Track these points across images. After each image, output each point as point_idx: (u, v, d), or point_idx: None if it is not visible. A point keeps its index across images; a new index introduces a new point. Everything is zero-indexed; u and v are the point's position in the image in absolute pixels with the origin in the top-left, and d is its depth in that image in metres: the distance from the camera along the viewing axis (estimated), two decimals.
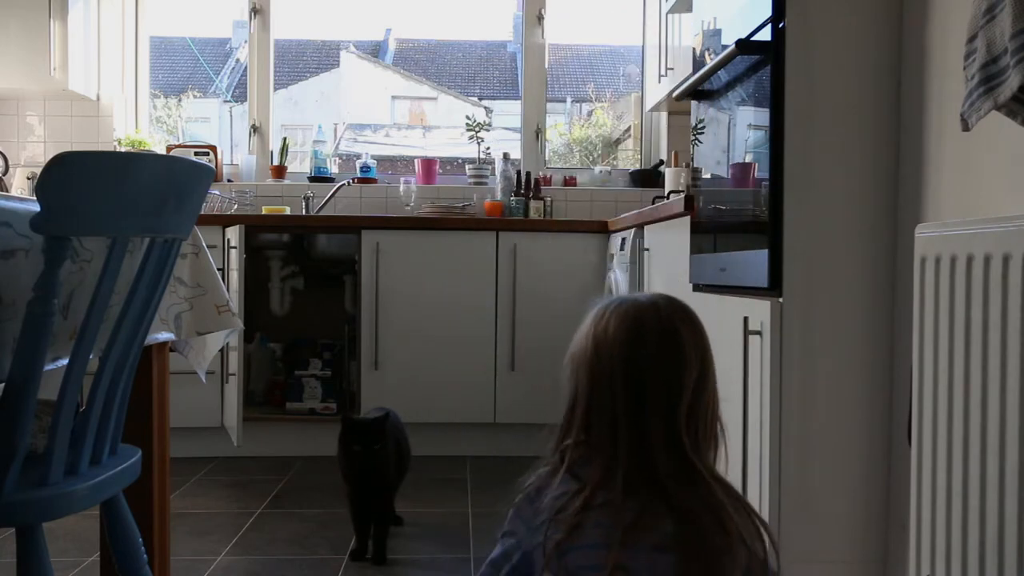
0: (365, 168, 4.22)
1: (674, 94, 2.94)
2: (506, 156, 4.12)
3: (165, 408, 1.90)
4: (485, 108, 5.31)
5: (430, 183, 4.21)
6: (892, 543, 1.90)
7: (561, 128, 4.96)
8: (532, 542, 1.07)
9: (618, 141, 4.90)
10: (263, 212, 3.86)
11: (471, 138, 4.20)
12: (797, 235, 1.88)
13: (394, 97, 6.28)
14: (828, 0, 1.89)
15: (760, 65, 1.95)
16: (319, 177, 4.18)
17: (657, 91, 3.91)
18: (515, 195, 4.02)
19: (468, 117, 4.27)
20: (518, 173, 4.09)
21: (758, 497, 1.91)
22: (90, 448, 1.33)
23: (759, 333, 1.92)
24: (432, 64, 5.96)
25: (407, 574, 2.28)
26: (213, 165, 3.90)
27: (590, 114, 5.19)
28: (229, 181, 4.16)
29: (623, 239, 3.24)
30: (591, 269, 3.66)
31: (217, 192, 3.99)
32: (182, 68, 5.14)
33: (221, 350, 3.02)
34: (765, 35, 1.93)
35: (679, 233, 2.56)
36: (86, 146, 3.97)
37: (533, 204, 4.01)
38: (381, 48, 6.49)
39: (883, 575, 1.92)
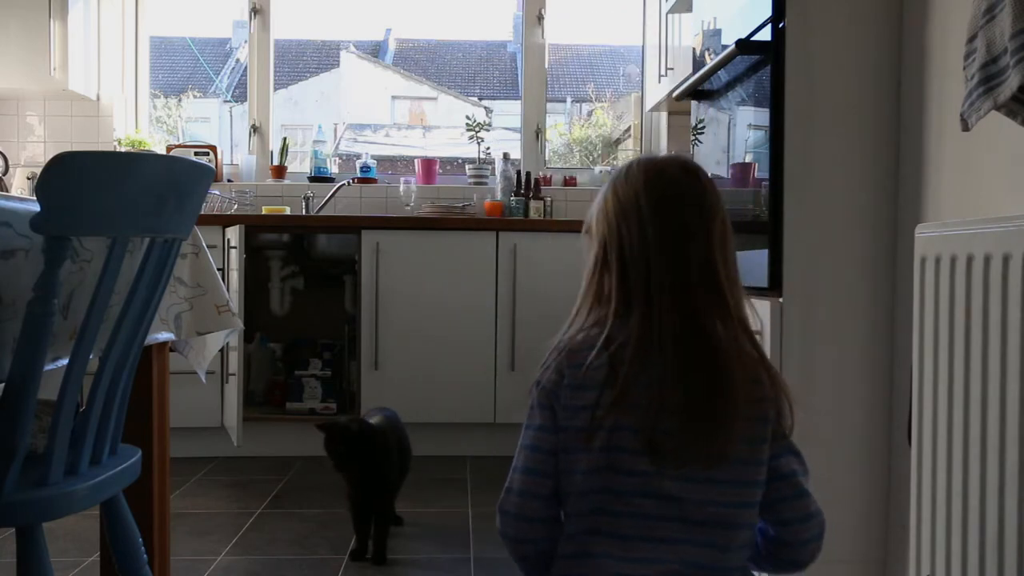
0: (365, 168, 4.22)
1: (674, 94, 2.94)
2: (506, 156, 4.12)
3: (165, 408, 1.90)
4: (485, 108, 5.31)
5: (430, 183, 4.21)
6: (892, 543, 1.90)
7: (561, 128, 4.96)
8: (572, 423, 1.09)
9: (618, 141, 4.90)
10: (263, 212, 3.86)
11: (471, 138, 4.20)
12: (797, 235, 1.88)
13: (394, 97, 6.28)
14: (828, 0, 1.89)
15: (760, 65, 1.95)
16: (319, 177, 4.18)
17: (657, 91, 3.91)
18: (515, 195, 4.02)
19: (468, 117, 4.27)
20: (518, 173, 4.09)
21: None
22: (90, 448, 1.33)
23: (759, 333, 1.92)
24: (432, 64, 5.97)
25: (407, 574, 2.28)
26: (213, 165, 3.90)
27: (590, 114, 5.19)
28: (229, 181, 4.16)
29: None
30: None
31: (217, 192, 3.99)
32: (182, 68, 5.14)
33: (221, 350, 3.02)
34: (765, 35, 1.93)
35: None
36: (86, 146, 3.97)
37: (533, 204, 4.01)
38: (381, 48, 6.49)
39: (883, 575, 1.92)
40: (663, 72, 3.74)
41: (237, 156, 4.34)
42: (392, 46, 6.31)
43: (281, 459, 3.56)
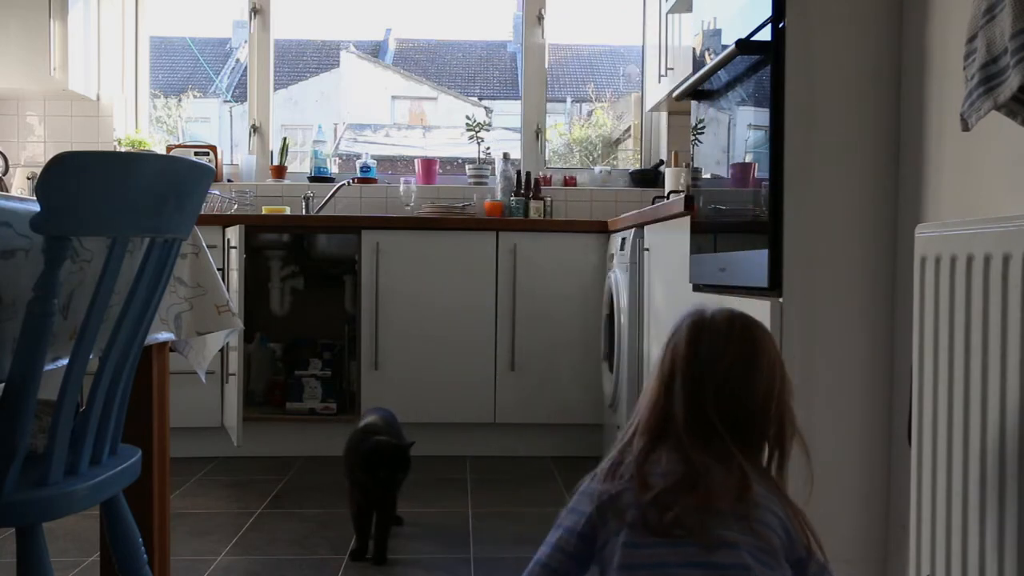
0: (365, 168, 4.22)
1: (674, 94, 2.94)
2: (506, 156, 4.12)
3: (165, 408, 1.90)
4: (485, 108, 5.31)
5: (430, 183, 4.21)
6: (892, 543, 1.90)
7: (561, 128, 4.96)
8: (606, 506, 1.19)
9: (618, 141, 4.90)
10: (263, 212, 3.86)
11: (471, 138, 4.20)
12: (797, 235, 1.88)
13: (394, 97, 6.28)
14: (828, 0, 1.89)
15: (760, 65, 1.95)
16: (319, 177, 4.18)
17: (657, 91, 3.91)
18: (515, 195, 4.02)
19: (468, 117, 4.27)
20: (518, 173, 4.09)
21: None
22: (90, 448, 1.33)
23: None
24: (432, 64, 5.97)
25: (407, 574, 2.28)
26: (213, 165, 3.90)
27: (590, 114, 5.19)
28: (229, 181, 4.17)
29: (623, 239, 3.24)
30: (591, 269, 3.66)
31: (217, 192, 3.99)
32: (182, 68, 5.15)
33: (221, 350, 3.02)
34: (765, 35, 1.93)
35: (679, 233, 2.56)
36: (86, 146, 3.97)
37: (533, 204, 4.01)
38: (381, 48, 6.49)
39: (883, 575, 1.92)
40: (663, 72, 3.74)
41: (237, 156, 4.34)
42: (392, 46, 6.31)
43: (281, 459, 3.56)
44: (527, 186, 4.06)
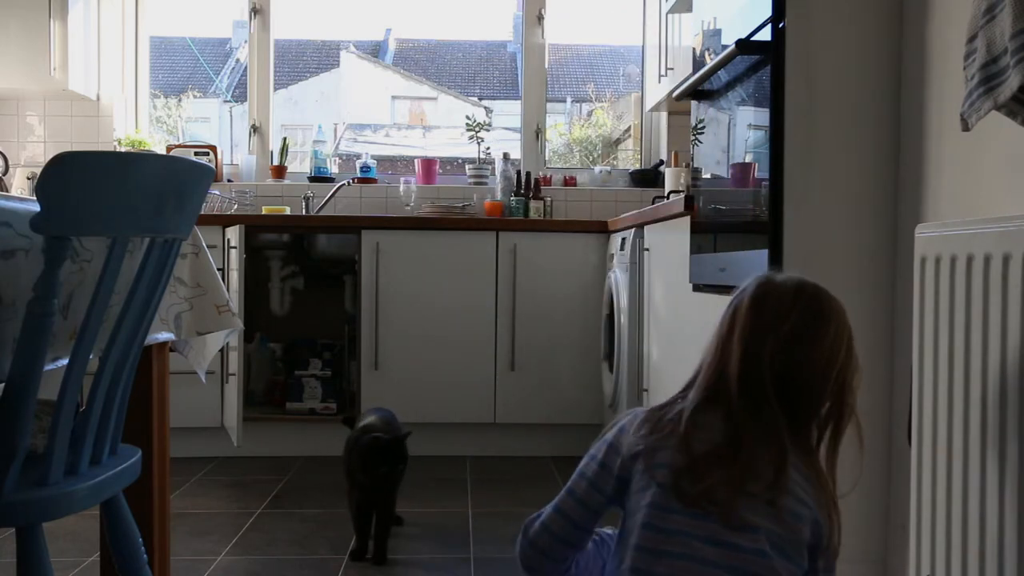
0: (365, 168, 4.22)
1: (674, 94, 2.94)
2: (506, 156, 4.12)
3: (165, 408, 1.90)
4: (485, 108, 5.31)
5: (430, 183, 4.21)
6: (892, 543, 1.90)
7: (561, 128, 4.96)
8: (632, 446, 1.17)
9: (618, 141, 4.90)
10: (263, 212, 3.86)
11: (471, 138, 4.20)
12: (797, 235, 1.88)
13: (394, 97, 6.29)
14: (828, 0, 1.89)
15: (760, 65, 1.95)
16: (319, 177, 4.18)
17: (657, 91, 3.91)
18: (515, 195, 4.02)
19: (468, 117, 4.27)
20: (518, 173, 4.09)
21: None
22: (90, 448, 1.33)
23: None
24: (432, 64, 5.97)
25: (407, 574, 2.28)
26: (213, 165, 3.90)
27: (590, 114, 5.19)
28: (229, 181, 4.17)
29: (623, 239, 3.24)
30: (591, 269, 3.66)
31: (217, 192, 3.99)
32: (182, 68, 5.15)
33: (221, 350, 3.02)
34: (765, 35, 1.93)
35: (679, 233, 2.56)
36: (86, 146, 3.97)
37: (533, 204, 4.01)
38: (381, 48, 6.50)
39: (883, 575, 1.92)
40: (663, 72, 3.74)
41: (237, 156, 4.34)
42: (392, 46, 6.31)
43: (281, 459, 3.56)
44: (527, 186, 4.06)
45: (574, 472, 1.26)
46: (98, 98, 4.06)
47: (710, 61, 2.23)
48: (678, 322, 2.59)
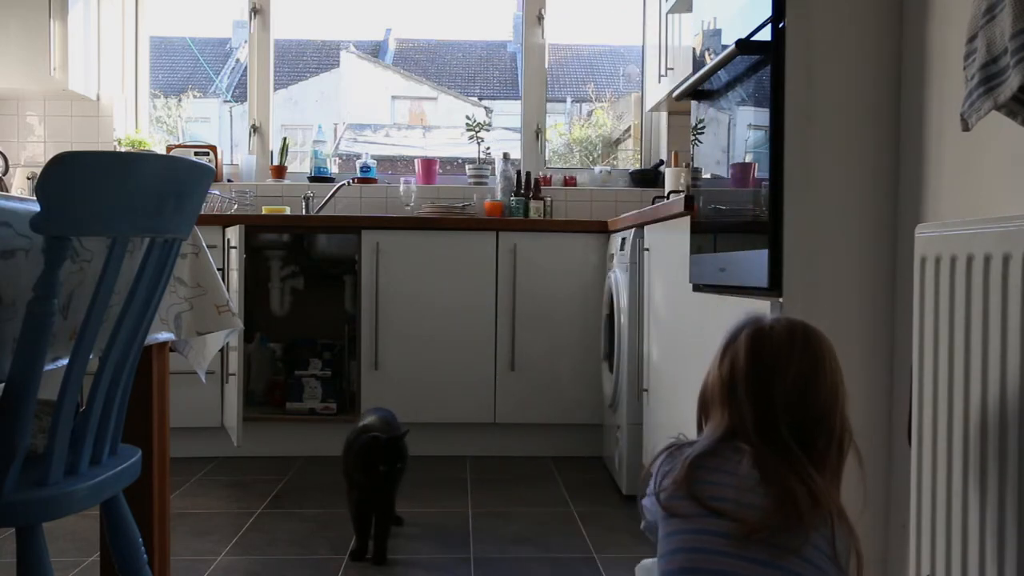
0: (365, 168, 4.22)
1: (674, 94, 2.94)
2: (506, 156, 4.12)
3: (165, 408, 1.90)
4: (485, 108, 5.31)
5: (430, 183, 4.21)
6: (892, 543, 1.90)
7: (561, 128, 4.96)
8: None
9: (618, 141, 4.90)
10: (263, 212, 3.86)
11: (471, 138, 4.20)
12: (797, 235, 1.88)
13: (394, 97, 6.29)
14: (828, 0, 1.89)
15: (760, 65, 1.95)
16: (319, 177, 4.18)
17: (657, 91, 3.91)
18: (515, 195, 4.02)
19: (468, 117, 4.27)
20: (518, 173, 4.09)
21: None
22: (90, 448, 1.34)
23: None
24: (432, 64, 5.97)
25: (407, 574, 2.28)
26: (213, 165, 3.90)
27: (590, 114, 5.19)
28: (229, 181, 4.17)
29: (623, 239, 3.24)
30: (591, 269, 3.66)
31: (217, 192, 3.99)
32: (182, 68, 5.15)
33: (221, 350, 3.02)
34: (765, 35, 1.93)
35: (679, 233, 2.56)
36: (86, 146, 3.97)
37: (533, 204, 4.01)
38: (381, 48, 6.50)
39: (883, 575, 1.92)
40: (663, 72, 3.74)
41: (237, 156, 4.34)
42: (392, 46, 6.32)
43: (281, 459, 3.56)
44: (527, 186, 4.06)
45: None
46: (98, 98, 4.06)
47: (710, 61, 2.23)
48: (678, 322, 2.59)
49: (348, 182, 4.12)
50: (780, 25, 1.88)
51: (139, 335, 1.39)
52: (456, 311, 3.61)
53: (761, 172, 1.95)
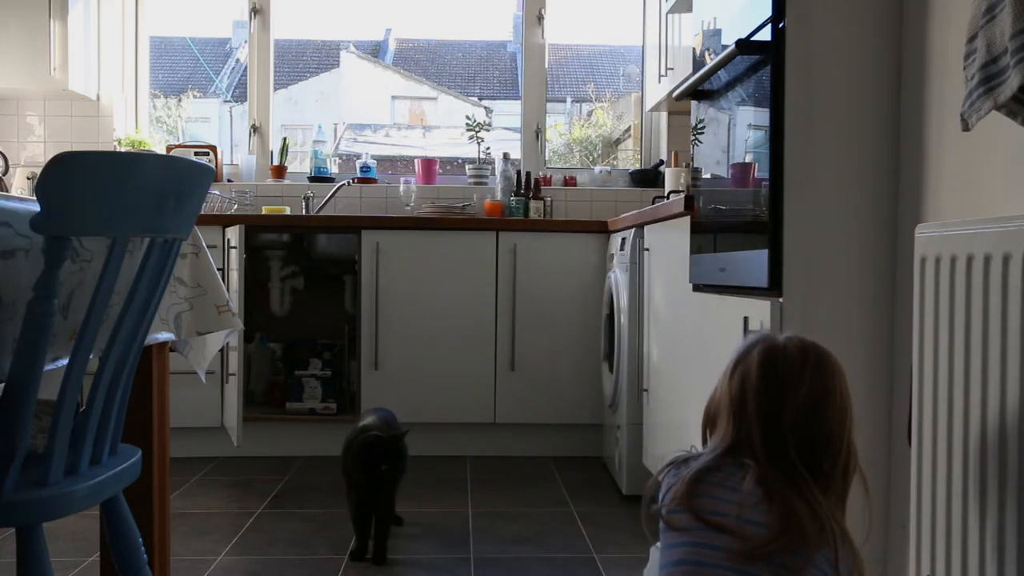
0: (365, 168, 4.22)
1: (674, 94, 2.94)
2: (506, 156, 4.12)
3: (165, 408, 1.90)
4: (485, 108, 5.31)
5: (430, 183, 4.21)
6: (892, 543, 1.90)
7: (561, 128, 4.96)
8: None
9: (618, 141, 4.90)
10: (263, 212, 3.86)
11: (471, 138, 4.20)
12: (797, 235, 1.88)
13: (394, 97, 6.29)
14: (828, 0, 1.89)
15: (760, 65, 1.95)
16: (319, 177, 4.18)
17: (657, 91, 3.91)
18: (515, 195, 4.02)
19: (468, 117, 4.27)
20: (518, 173, 4.09)
21: None
22: (90, 448, 1.33)
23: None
24: (432, 64, 5.97)
25: (407, 574, 2.28)
26: (213, 165, 3.90)
27: (590, 114, 5.19)
28: (229, 181, 4.17)
29: (623, 239, 3.24)
30: (591, 269, 3.66)
31: (217, 192, 3.99)
32: (182, 68, 5.15)
33: (221, 350, 3.02)
34: (765, 35, 1.93)
35: (679, 233, 2.56)
36: (86, 146, 3.97)
37: (533, 204, 4.01)
38: (381, 48, 6.50)
39: (883, 575, 1.92)
40: (663, 72, 3.74)
41: (237, 156, 4.34)
42: (392, 46, 6.32)
43: (281, 459, 3.56)
44: (527, 186, 4.06)
45: None
46: (98, 98, 4.06)
47: (710, 61, 2.23)
48: (678, 322, 2.59)
49: (348, 182, 4.12)
50: (780, 25, 1.88)
51: (139, 335, 1.39)
52: (456, 311, 3.61)
53: (761, 172, 1.95)
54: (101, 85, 4.06)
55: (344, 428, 2.58)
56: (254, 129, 4.28)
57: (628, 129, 4.78)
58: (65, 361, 1.29)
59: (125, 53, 4.21)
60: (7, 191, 3.90)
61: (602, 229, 3.65)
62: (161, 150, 4.13)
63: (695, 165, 2.52)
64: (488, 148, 4.22)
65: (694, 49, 2.57)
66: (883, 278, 1.91)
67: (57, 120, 4.07)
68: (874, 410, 1.92)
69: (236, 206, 3.97)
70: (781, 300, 1.88)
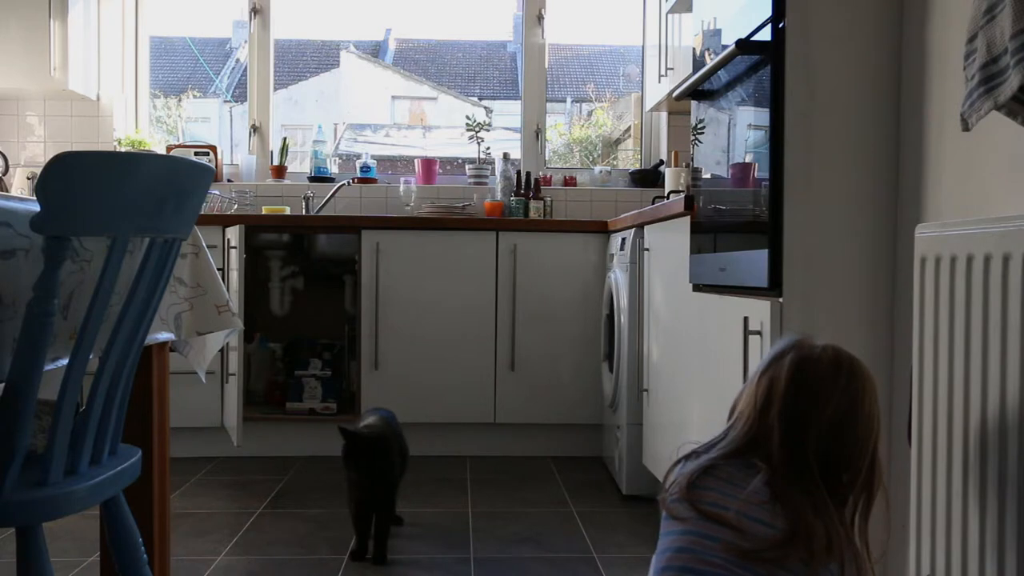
0: (365, 168, 4.22)
1: (674, 94, 2.94)
2: (506, 156, 4.12)
3: (165, 408, 1.90)
4: (485, 108, 5.31)
5: (430, 183, 4.21)
6: (892, 543, 1.90)
7: (561, 128, 4.96)
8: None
9: (618, 141, 4.90)
10: (263, 212, 3.86)
11: (471, 138, 4.20)
12: (797, 235, 1.88)
13: (394, 97, 6.29)
14: (828, 0, 1.89)
15: (760, 65, 1.95)
16: (319, 177, 4.18)
17: (657, 91, 3.91)
18: (515, 195, 4.02)
19: (468, 117, 4.27)
20: (518, 173, 4.09)
21: None
22: (90, 448, 1.34)
23: (759, 333, 1.92)
24: (432, 64, 5.97)
25: (407, 574, 2.28)
26: (213, 165, 3.90)
27: (590, 114, 5.19)
28: (229, 181, 4.17)
29: (623, 239, 3.24)
30: (591, 269, 3.66)
31: (217, 192, 3.99)
32: (182, 68, 5.15)
33: (221, 350, 3.02)
34: (765, 35, 1.93)
35: (679, 233, 2.56)
36: (86, 146, 3.97)
37: (533, 204, 4.01)
38: (381, 48, 6.50)
39: (883, 575, 1.92)
40: (663, 72, 3.74)
41: (237, 156, 4.34)
42: (392, 46, 6.32)
43: (281, 459, 3.56)
44: (527, 186, 4.06)
45: None
46: (98, 98, 4.06)
47: (710, 61, 2.23)
48: (678, 322, 2.59)
49: (348, 182, 4.12)
50: (780, 25, 1.88)
51: (139, 335, 1.39)
52: (456, 311, 3.61)
53: (761, 172, 1.95)
54: (101, 85, 4.06)
55: None
56: (254, 129, 4.28)
57: (628, 129, 4.78)
58: (65, 361, 1.29)
59: (125, 53, 4.20)
60: (7, 191, 3.90)
61: (602, 229, 3.65)
62: (161, 150, 4.13)
63: (695, 165, 2.52)
64: (488, 148, 4.22)
65: (694, 49, 2.57)
66: (883, 278, 1.91)
67: (57, 120, 4.07)
68: None
69: (236, 206, 3.97)
70: (781, 300, 1.88)
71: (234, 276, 3.25)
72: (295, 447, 3.64)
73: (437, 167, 4.28)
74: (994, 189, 1.59)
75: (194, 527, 2.64)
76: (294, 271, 4.05)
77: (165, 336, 1.77)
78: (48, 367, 1.32)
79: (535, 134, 4.33)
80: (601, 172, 4.31)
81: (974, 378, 1.23)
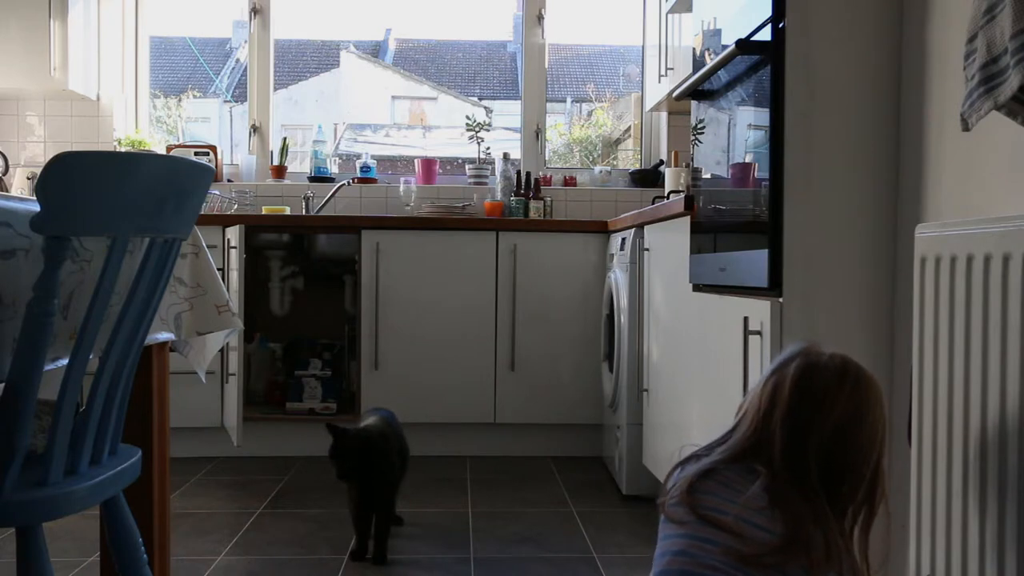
0: (365, 168, 4.22)
1: (674, 94, 2.94)
2: (506, 156, 4.12)
3: (165, 408, 1.90)
4: (485, 108, 5.31)
5: (430, 183, 4.21)
6: (892, 543, 1.90)
7: (561, 128, 4.96)
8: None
9: (618, 141, 4.90)
10: (263, 212, 3.86)
11: (471, 138, 4.20)
12: (797, 235, 1.88)
13: (394, 97, 6.29)
14: (828, 0, 1.89)
15: (760, 65, 1.95)
16: (319, 177, 4.18)
17: (657, 91, 3.91)
18: (515, 195, 4.02)
19: (468, 117, 4.27)
20: (518, 173, 4.09)
21: None
22: (90, 448, 1.34)
23: (759, 333, 1.92)
24: (432, 64, 5.97)
25: (407, 574, 2.28)
26: (213, 165, 3.90)
27: (590, 114, 5.19)
28: (229, 181, 4.17)
29: (623, 239, 3.24)
30: (591, 269, 3.66)
31: (217, 192, 3.99)
32: (182, 68, 5.15)
33: (221, 350, 3.02)
34: (765, 35, 1.93)
35: (679, 233, 2.56)
36: (86, 146, 3.97)
37: (533, 204, 4.01)
38: (381, 48, 6.50)
39: (883, 575, 1.92)
40: (663, 72, 3.74)
41: (237, 156, 4.34)
42: (392, 46, 6.32)
43: (281, 459, 3.56)
44: (527, 186, 4.06)
45: None
46: (98, 98, 4.06)
47: (710, 61, 2.23)
48: (678, 322, 2.59)
49: (348, 182, 4.12)
50: (780, 25, 1.88)
51: (139, 335, 1.39)
52: (456, 311, 3.61)
53: (761, 172, 1.95)
54: (101, 85, 4.06)
55: None
56: (254, 129, 4.28)
57: (628, 129, 4.78)
58: (65, 361, 1.29)
59: (125, 53, 4.20)
60: (7, 191, 3.90)
61: (602, 229, 3.65)
62: (161, 150, 4.13)
63: (695, 165, 2.52)
64: (488, 148, 4.22)
65: (694, 49, 2.57)
66: (883, 278, 1.91)
67: (57, 120, 4.07)
68: None
69: (236, 206, 3.97)
70: (781, 300, 1.88)
71: (234, 276, 3.25)
72: (295, 447, 3.64)
73: (437, 167, 4.28)
74: (994, 189, 1.59)
75: (194, 527, 2.64)
76: (294, 271, 4.05)
77: (165, 336, 1.77)
78: (48, 367, 1.32)
79: (535, 134, 4.33)
80: (601, 172, 4.31)
81: (974, 378, 1.23)
